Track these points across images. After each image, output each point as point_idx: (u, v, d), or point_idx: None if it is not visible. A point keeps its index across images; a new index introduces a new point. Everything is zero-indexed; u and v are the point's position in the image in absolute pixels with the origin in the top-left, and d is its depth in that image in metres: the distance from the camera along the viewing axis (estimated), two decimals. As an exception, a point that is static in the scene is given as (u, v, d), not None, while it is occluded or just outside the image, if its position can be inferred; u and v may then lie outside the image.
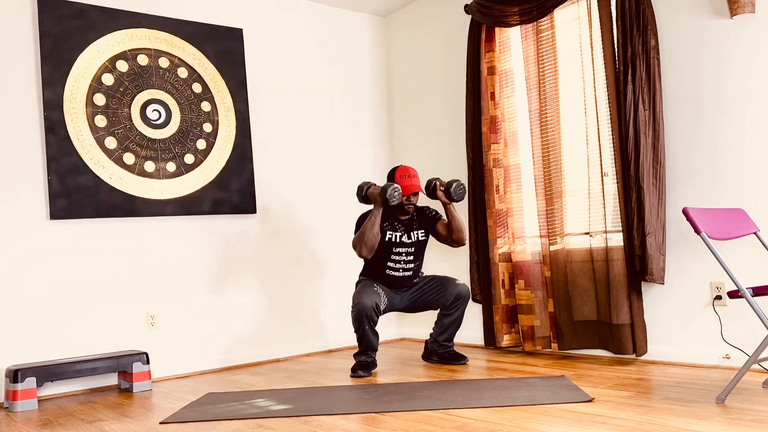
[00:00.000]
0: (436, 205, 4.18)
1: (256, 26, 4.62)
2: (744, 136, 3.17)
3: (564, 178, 3.82)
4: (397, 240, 3.75)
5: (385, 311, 3.74)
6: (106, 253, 3.88)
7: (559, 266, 3.80)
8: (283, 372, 3.98)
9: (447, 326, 3.88)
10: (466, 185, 4.27)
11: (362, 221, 3.76)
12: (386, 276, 3.79)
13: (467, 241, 4.08)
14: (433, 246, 4.48)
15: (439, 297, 3.83)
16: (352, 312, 3.63)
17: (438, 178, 3.83)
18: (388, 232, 3.74)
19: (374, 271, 3.82)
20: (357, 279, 3.95)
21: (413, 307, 3.91)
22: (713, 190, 3.28)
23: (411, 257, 3.79)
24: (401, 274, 3.79)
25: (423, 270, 4.00)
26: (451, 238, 3.81)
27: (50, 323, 3.67)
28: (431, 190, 3.80)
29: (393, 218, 3.78)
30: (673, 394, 2.74)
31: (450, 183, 3.74)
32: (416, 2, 5.05)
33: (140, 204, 3.97)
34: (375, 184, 3.74)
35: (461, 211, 4.60)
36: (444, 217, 3.87)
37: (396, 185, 3.57)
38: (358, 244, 3.65)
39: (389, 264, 3.76)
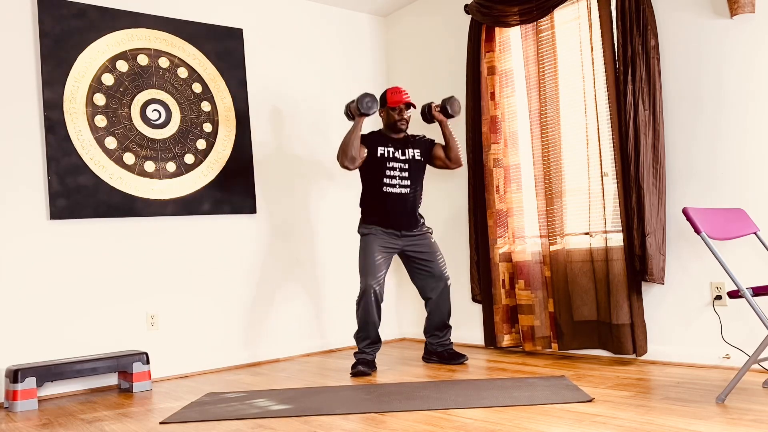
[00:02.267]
0: (434, 135, 4.19)
1: (256, 26, 4.62)
2: (744, 136, 3.17)
3: (564, 178, 3.82)
4: (390, 155, 3.81)
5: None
6: (106, 253, 3.88)
7: (559, 266, 3.80)
8: (283, 372, 3.98)
9: (432, 327, 3.95)
10: (465, 163, 4.32)
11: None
12: (384, 196, 3.79)
13: (465, 162, 4.19)
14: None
15: (423, 275, 3.88)
16: (358, 299, 3.73)
17: (431, 102, 3.96)
18: (380, 148, 3.82)
19: (373, 192, 3.82)
20: (359, 222, 3.93)
21: (405, 261, 3.92)
22: (713, 190, 3.28)
23: (406, 174, 3.83)
24: (398, 190, 3.80)
25: (431, 230, 3.98)
26: (449, 158, 3.91)
27: (50, 323, 3.67)
28: (427, 112, 3.92)
29: (387, 138, 3.88)
30: (673, 394, 2.74)
31: (445, 100, 3.88)
32: (416, 2, 5.05)
33: (140, 204, 3.97)
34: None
35: (461, 208, 4.61)
36: (441, 142, 3.97)
37: (369, 93, 3.69)
38: (339, 154, 3.72)
39: (385, 180, 3.79)
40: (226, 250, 4.33)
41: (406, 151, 3.86)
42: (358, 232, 3.89)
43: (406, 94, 3.85)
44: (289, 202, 4.67)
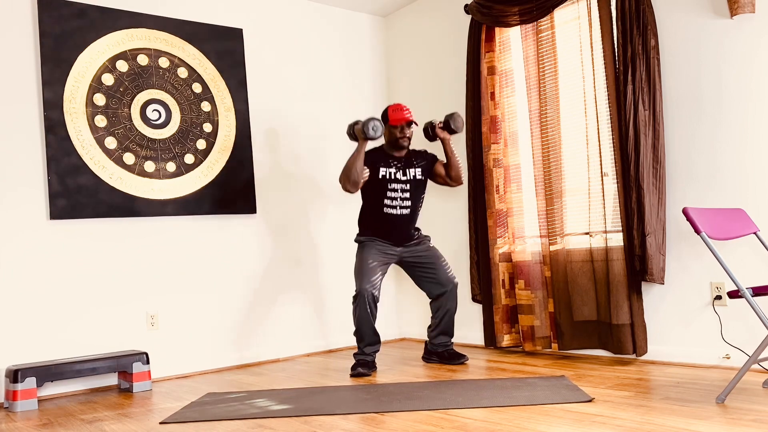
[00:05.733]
0: (436, 151, 4.17)
1: (256, 26, 4.62)
2: (744, 136, 3.17)
3: (564, 178, 3.82)
4: (391, 177, 3.78)
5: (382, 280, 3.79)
6: (106, 253, 3.88)
7: (559, 266, 3.80)
8: (283, 372, 3.98)
9: (439, 327, 3.91)
10: (466, 166, 4.31)
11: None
12: (384, 216, 3.77)
13: (465, 181, 4.17)
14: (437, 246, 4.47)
15: (428, 281, 3.86)
16: (353, 302, 3.68)
17: (434, 120, 3.93)
18: (382, 169, 3.77)
19: (373, 211, 3.80)
20: (357, 234, 3.92)
21: (407, 269, 3.93)
22: (713, 190, 3.28)
23: (407, 194, 3.81)
24: (399, 212, 3.78)
25: (428, 237, 3.98)
26: (450, 176, 3.87)
27: (50, 323, 3.67)
28: (430, 130, 3.87)
29: (389, 156, 3.83)
30: (673, 394, 2.74)
31: (447, 116, 3.83)
32: (416, 2, 5.05)
33: (140, 204, 3.97)
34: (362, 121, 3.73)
35: (461, 208, 4.61)
36: (443, 159, 3.93)
37: (375, 117, 3.63)
38: (342, 179, 3.70)
39: (386, 201, 3.77)
40: (226, 250, 4.33)
41: (408, 171, 3.82)
42: (356, 240, 3.88)
43: (408, 111, 3.78)
44: (289, 202, 4.67)
